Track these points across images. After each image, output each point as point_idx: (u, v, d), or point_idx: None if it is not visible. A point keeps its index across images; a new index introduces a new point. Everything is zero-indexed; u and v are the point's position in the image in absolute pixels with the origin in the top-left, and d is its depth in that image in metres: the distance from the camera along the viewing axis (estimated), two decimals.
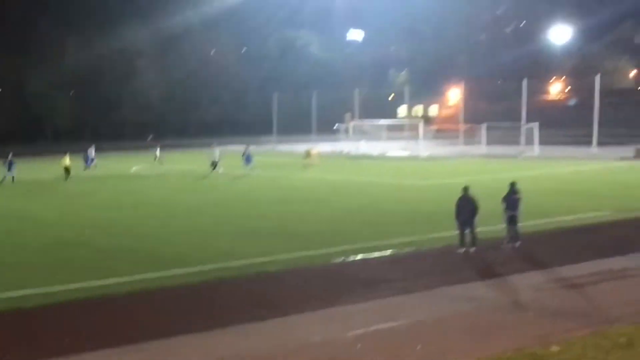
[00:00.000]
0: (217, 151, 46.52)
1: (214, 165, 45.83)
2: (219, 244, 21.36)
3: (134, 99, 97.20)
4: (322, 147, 66.59)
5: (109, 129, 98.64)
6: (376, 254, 19.00)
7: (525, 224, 20.77)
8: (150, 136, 64.95)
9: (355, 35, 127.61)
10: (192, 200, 32.60)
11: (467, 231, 18.95)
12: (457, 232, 19.15)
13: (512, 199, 19.54)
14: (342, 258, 18.69)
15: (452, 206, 19.45)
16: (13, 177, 41.81)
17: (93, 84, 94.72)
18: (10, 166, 42.17)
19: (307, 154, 51.47)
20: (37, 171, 49.38)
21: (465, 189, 19.33)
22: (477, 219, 18.96)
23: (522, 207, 19.65)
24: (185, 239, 22.24)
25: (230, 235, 22.76)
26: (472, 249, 18.89)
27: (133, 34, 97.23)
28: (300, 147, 64.55)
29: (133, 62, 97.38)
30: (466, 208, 18.96)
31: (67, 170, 44.52)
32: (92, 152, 52.76)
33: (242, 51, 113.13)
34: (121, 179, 44.21)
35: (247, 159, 46.50)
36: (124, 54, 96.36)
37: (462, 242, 18.99)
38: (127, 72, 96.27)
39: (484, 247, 19.22)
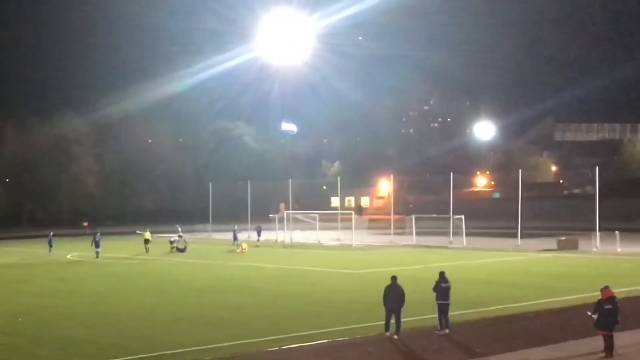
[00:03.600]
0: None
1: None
2: (153, 332, 21.42)
3: (70, 187, 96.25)
4: (256, 236, 66.84)
5: (46, 216, 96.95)
6: (310, 343, 19.45)
7: (454, 314, 21.63)
8: (85, 223, 64.16)
9: (290, 127, 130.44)
10: (127, 287, 32.43)
11: (392, 320, 19.77)
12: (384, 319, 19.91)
13: (442, 287, 20.52)
14: (277, 347, 19.08)
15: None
16: None
17: (29, 171, 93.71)
18: None
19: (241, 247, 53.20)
20: None
21: (394, 278, 20.31)
22: (404, 307, 19.83)
23: (451, 296, 20.59)
24: (119, 327, 22.21)
25: (164, 324, 22.82)
26: (395, 336, 19.64)
27: (70, 122, 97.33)
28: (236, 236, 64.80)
29: (70, 150, 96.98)
30: (394, 296, 19.87)
31: (146, 241, 50.87)
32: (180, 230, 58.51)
33: (179, 141, 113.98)
34: (57, 266, 43.60)
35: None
36: (61, 142, 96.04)
37: (387, 327, 19.81)
38: (64, 160, 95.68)
39: (416, 335, 19.93)
